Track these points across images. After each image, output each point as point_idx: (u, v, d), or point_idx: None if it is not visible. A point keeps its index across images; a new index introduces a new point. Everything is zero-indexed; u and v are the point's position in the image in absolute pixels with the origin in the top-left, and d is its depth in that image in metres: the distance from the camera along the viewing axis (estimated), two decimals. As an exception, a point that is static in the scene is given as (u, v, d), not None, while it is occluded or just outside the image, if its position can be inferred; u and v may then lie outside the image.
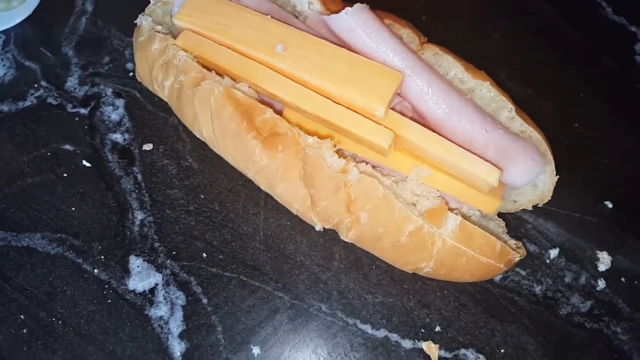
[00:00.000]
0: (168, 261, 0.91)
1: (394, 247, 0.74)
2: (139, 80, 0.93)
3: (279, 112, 0.79)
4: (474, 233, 0.72)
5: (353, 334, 0.87)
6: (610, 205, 0.99)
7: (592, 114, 1.07)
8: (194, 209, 0.94)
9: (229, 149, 0.78)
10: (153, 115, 1.01)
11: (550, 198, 0.84)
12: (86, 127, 1.01)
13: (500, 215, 0.93)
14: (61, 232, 0.92)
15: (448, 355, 0.87)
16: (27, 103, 1.03)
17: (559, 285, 0.93)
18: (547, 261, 0.94)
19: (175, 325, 0.86)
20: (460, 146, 0.74)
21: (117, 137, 1.00)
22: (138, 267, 0.90)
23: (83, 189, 0.96)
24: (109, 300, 0.88)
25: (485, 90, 0.79)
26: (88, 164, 0.98)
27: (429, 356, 0.87)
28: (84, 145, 0.99)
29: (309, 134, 0.77)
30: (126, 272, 0.90)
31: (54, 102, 1.03)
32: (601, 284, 0.93)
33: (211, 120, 0.76)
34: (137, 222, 0.93)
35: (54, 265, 0.90)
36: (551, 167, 0.81)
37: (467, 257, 0.73)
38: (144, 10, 0.91)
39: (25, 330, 0.84)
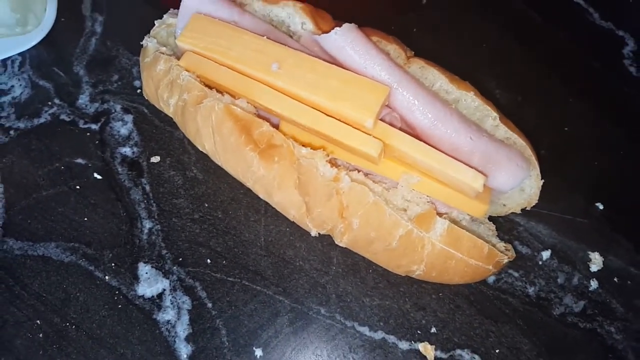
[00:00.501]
0: (175, 267, 0.95)
1: (386, 251, 0.78)
2: (146, 98, 0.98)
3: (276, 126, 0.84)
4: (461, 236, 0.76)
5: (351, 336, 0.91)
6: (601, 207, 1.02)
7: (581, 118, 1.10)
8: (199, 217, 0.99)
9: (229, 161, 0.83)
10: (160, 129, 1.06)
11: (537, 201, 0.87)
12: (97, 142, 1.06)
13: (492, 218, 0.96)
14: (74, 241, 0.98)
15: (444, 355, 0.90)
16: (42, 120, 1.09)
17: (552, 286, 0.96)
18: (540, 263, 0.97)
19: (182, 329, 0.91)
20: (447, 154, 0.78)
21: (127, 150, 1.05)
22: (146, 273, 0.95)
23: (95, 200, 1.01)
24: (120, 306, 0.93)
25: (470, 100, 0.83)
26: (99, 177, 1.03)
27: (425, 357, 0.90)
28: (95, 159, 1.05)
29: (304, 146, 0.81)
30: (135, 278, 0.95)
31: (67, 119, 1.09)
32: (594, 284, 0.96)
33: (212, 134, 0.81)
34: (146, 231, 0.98)
35: (68, 272, 0.95)
36: (536, 171, 0.84)
37: (456, 259, 0.76)
38: (149, 32, 0.97)
39: (41, 335, 0.89)
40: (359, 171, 0.83)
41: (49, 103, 1.10)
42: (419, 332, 0.92)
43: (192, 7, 0.87)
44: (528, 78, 1.14)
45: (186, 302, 0.93)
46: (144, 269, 0.96)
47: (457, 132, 0.78)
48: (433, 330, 0.92)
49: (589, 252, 0.98)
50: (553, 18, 1.21)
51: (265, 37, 0.83)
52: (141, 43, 0.95)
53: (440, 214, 0.83)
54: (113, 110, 1.09)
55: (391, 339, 0.91)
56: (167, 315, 0.92)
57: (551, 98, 1.12)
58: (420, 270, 0.79)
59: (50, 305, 0.92)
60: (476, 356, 0.91)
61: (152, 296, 0.94)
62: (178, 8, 0.88)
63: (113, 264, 0.96)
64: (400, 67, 0.80)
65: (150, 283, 0.95)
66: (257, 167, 0.79)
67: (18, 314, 0.91)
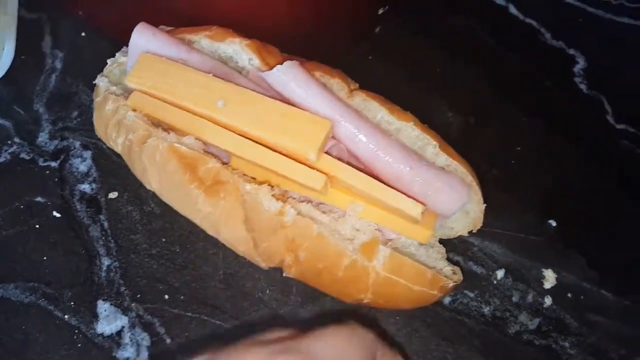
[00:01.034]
0: (133, 304, 0.96)
1: (334, 281, 0.79)
2: (98, 136, 1.00)
3: (227, 162, 0.86)
4: (404, 263, 0.78)
5: (311, 364, 0.92)
6: (554, 224, 1.04)
7: (533, 137, 1.13)
8: (157, 253, 1.00)
9: (176, 199, 0.85)
10: (118, 164, 1.07)
11: (482, 224, 0.89)
12: (56, 179, 1.07)
13: (448, 240, 0.98)
14: (34, 281, 0.98)
15: (403, 379, 0.91)
16: (1, 159, 1.09)
17: (507, 304, 0.97)
18: (495, 282, 0.99)
19: (142, 366, 0.91)
20: (390, 183, 0.80)
21: (85, 187, 1.06)
22: (105, 311, 0.96)
23: (54, 239, 1.01)
24: (79, 345, 0.93)
25: (410, 130, 0.85)
26: (58, 215, 1.04)
27: (384, 381, 0.91)
28: (55, 197, 1.05)
29: (256, 180, 0.83)
30: (95, 316, 0.95)
31: (27, 157, 1.09)
32: (548, 301, 0.98)
33: (158, 173, 0.83)
34: (104, 268, 0.99)
35: (28, 313, 0.95)
36: (478, 196, 0.86)
37: (400, 286, 0.78)
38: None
39: (0, 379, 0.89)
40: (309, 202, 0.84)
41: (9, 142, 1.11)
42: (377, 357, 0.92)
43: (140, 46, 0.88)
44: (480, 99, 1.16)
45: (145, 339, 0.93)
46: (103, 307, 0.96)
47: (398, 161, 0.80)
48: (391, 354, 0.93)
49: (543, 270, 1.00)
50: (505, 39, 1.24)
51: (211, 74, 0.85)
52: (93, 82, 0.96)
53: (388, 241, 0.84)
54: (72, 147, 1.10)
55: (350, 365, 0.92)
56: (126, 352, 0.92)
57: (503, 118, 1.14)
58: (368, 298, 0.80)
59: (10, 348, 0.92)
60: (434, 379, 0.92)
61: (112, 334, 0.94)
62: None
63: (72, 303, 0.96)
64: (342, 100, 0.82)
65: (109, 320, 0.95)
66: (203, 205, 0.80)
67: (-25, 359, 0.91)
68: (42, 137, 1.12)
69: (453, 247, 1.00)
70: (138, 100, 0.85)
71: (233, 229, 0.81)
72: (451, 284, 0.82)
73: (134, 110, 0.86)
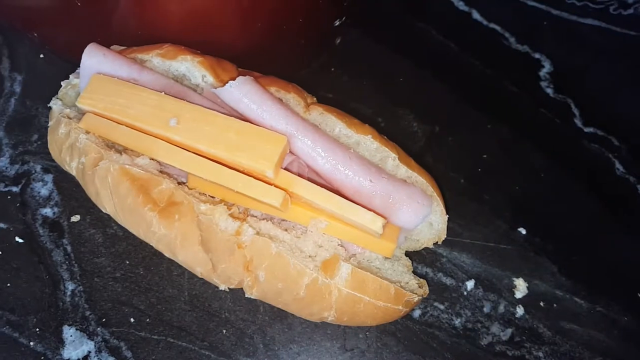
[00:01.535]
0: (99, 328, 0.94)
1: (295, 300, 0.77)
2: (54, 160, 0.98)
3: (184, 182, 0.84)
4: (366, 279, 0.76)
5: (280, 384, 0.90)
6: (523, 232, 1.03)
7: (499, 143, 1.12)
8: (120, 275, 0.97)
9: (130, 222, 0.83)
10: (79, 187, 1.04)
11: (445, 235, 0.88)
12: (18, 205, 1.05)
13: (415, 252, 0.97)
14: (-3, 308, 0.96)
15: (374, 396, 0.90)
16: (-38, 186, 1.07)
17: (478, 315, 0.96)
18: (465, 293, 0.98)
19: (107, 392, 0.89)
20: (350, 197, 0.78)
21: (47, 211, 1.04)
22: (71, 336, 0.93)
23: (17, 265, 0.99)
24: (44, 373, 0.90)
25: (369, 143, 0.83)
26: (21, 240, 1.01)
27: (356, 399, 0.89)
28: (17, 222, 1.03)
29: (214, 200, 0.81)
30: (60, 342, 0.93)
31: (-12, 183, 1.07)
32: (520, 310, 0.97)
33: (111, 196, 0.81)
34: (69, 293, 0.97)
35: (-8, 342, 0.93)
36: (440, 207, 0.85)
37: (364, 302, 0.76)
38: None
39: (-39, 413, 0.87)
40: (270, 220, 0.82)
41: (-31, 168, 1.09)
42: (348, 374, 0.91)
43: (91, 68, 0.87)
44: (445, 108, 1.16)
45: (111, 364, 0.91)
46: (68, 332, 0.94)
47: (357, 174, 0.78)
48: (363, 371, 0.91)
49: (514, 278, 0.99)
50: (469, 46, 1.24)
51: (163, 92, 0.83)
52: (48, 105, 0.94)
53: (351, 256, 0.83)
54: (33, 171, 1.08)
55: (321, 384, 0.90)
56: (91, 379, 0.90)
57: (469, 126, 1.14)
58: (332, 316, 0.78)
59: (-28, 379, 0.90)
60: (407, 394, 0.90)
61: (78, 359, 0.92)
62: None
63: (38, 329, 0.94)
64: (297, 115, 0.81)
65: (75, 346, 0.93)
66: (158, 227, 0.78)
67: None
68: (3, 162, 1.09)
69: (421, 258, 0.99)
70: (91, 122, 0.83)
71: (190, 251, 0.79)
72: (416, 298, 0.80)
73: (87, 132, 0.84)
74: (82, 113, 0.89)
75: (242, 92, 0.80)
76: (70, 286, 0.97)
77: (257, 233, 0.77)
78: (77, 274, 0.98)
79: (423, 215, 0.80)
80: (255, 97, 0.80)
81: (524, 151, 1.12)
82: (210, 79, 0.86)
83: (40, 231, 1.02)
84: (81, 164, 0.83)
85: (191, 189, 0.83)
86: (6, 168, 1.09)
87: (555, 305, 0.97)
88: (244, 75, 0.84)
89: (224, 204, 0.79)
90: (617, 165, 1.11)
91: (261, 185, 0.78)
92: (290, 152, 0.81)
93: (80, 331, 0.94)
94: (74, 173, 0.89)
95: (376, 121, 0.92)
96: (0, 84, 1.18)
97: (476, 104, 1.16)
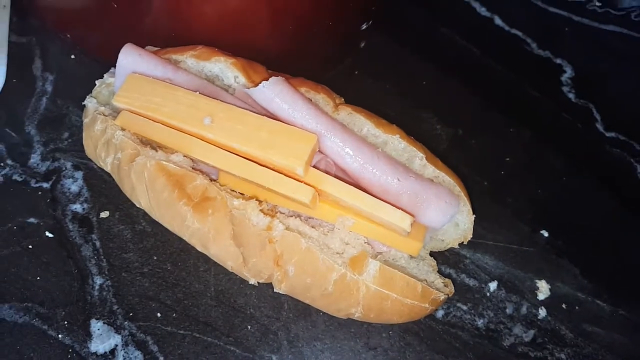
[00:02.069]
0: (126, 322, 0.95)
1: (323, 296, 0.79)
2: (87, 156, 1.00)
3: (215, 178, 0.86)
4: (394, 276, 0.77)
5: (304, 380, 0.91)
6: (545, 234, 1.04)
7: (522, 147, 1.13)
8: (148, 271, 0.99)
9: (165, 216, 0.85)
10: (109, 184, 1.08)
11: (471, 236, 0.89)
12: (48, 200, 1.07)
13: (439, 253, 0.98)
14: (27, 301, 0.98)
15: (397, 394, 0.91)
16: (-5, 181, 1.10)
17: (501, 317, 0.97)
18: (488, 294, 0.98)
19: (134, 385, 0.90)
20: (378, 195, 0.80)
21: (77, 207, 1.06)
22: (99, 329, 0.95)
23: (47, 259, 1.01)
24: (72, 364, 0.92)
25: (397, 142, 0.85)
26: (51, 235, 1.04)
27: (379, 397, 0.90)
28: (47, 217, 1.05)
29: (245, 196, 0.83)
30: (88, 335, 0.95)
31: (19, 179, 1.10)
32: (542, 312, 0.97)
33: (147, 191, 0.83)
34: (97, 287, 0.99)
35: (22, 333, 0.94)
36: (467, 207, 0.86)
37: (391, 300, 0.77)
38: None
39: (-7, 401, 0.89)
40: (298, 217, 0.84)
41: (1, 164, 1.11)
42: (371, 372, 0.92)
43: (127, 67, 0.89)
44: (468, 111, 1.17)
45: (138, 357, 0.93)
46: (96, 326, 0.96)
47: (385, 173, 0.80)
48: (385, 369, 0.92)
49: (536, 281, 1.00)
50: (491, 50, 1.26)
51: (198, 92, 0.86)
52: (83, 103, 0.97)
53: (378, 254, 0.84)
54: (64, 168, 1.10)
55: (344, 381, 0.91)
56: (119, 371, 0.92)
57: (492, 129, 1.15)
58: (359, 312, 0.79)
59: (3, 368, 0.92)
60: (429, 393, 0.91)
61: (105, 352, 0.94)
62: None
63: (66, 322, 0.96)
64: (327, 114, 0.83)
65: (102, 339, 0.95)
66: (192, 221, 0.80)
67: (-32, 381, 0.90)
68: (34, 159, 1.12)
69: (445, 259, 1.00)
70: (126, 119, 0.86)
71: (222, 245, 0.81)
72: (443, 297, 0.82)
73: (123, 129, 0.87)
74: (116, 111, 0.92)
75: (274, 92, 0.82)
76: (98, 281, 0.99)
77: (287, 228, 0.79)
78: (105, 268, 1.00)
79: (450, 215, 0.81)
80: (287, 97, 0.82)
81: (546, 155, 1.12)
82: (242, 79, 0.88)
83: (70, 226, 1.05)
84: (117, 159, 0.85)
85: (222, 185, 0.85)
86: (37, 165, 1.12)
87: (577, 307, 0.98)
88: (274, 76, 0.87)
89: (256, 200, 0.80)
90: (639, 169, 1.11)
91: (291, 182, 0.79)
92: (319, 151, 0.83)
93: (108, 325, 0.96)
94: (108, 168, 0.91)
95: (399, 123, 0.94)
96: (32, 83, 1.21)
97: (499, 108, 1.17)
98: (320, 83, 0.93)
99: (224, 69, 0.89)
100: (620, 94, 1.20)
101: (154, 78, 0.88)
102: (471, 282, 0.99)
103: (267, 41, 0.97)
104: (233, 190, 0.85)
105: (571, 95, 1.21)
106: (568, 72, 1.24)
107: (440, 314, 0.96)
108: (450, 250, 0.98)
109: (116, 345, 0.94)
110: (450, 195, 0.82)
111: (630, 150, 1.14)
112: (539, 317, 0.97)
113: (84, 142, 0.95)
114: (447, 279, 0.86)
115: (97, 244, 1.03)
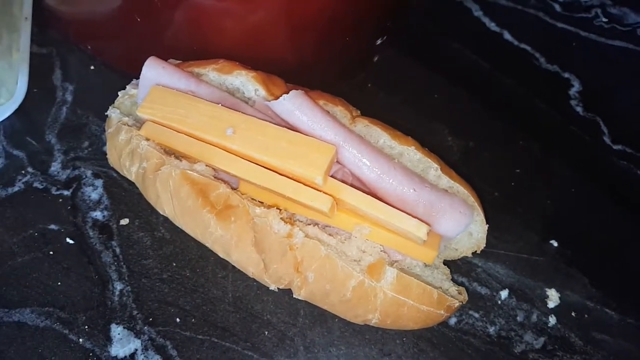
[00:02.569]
0: (145, 327, 0.98)
1: (341, 302, 0.81)
2: (111, 165, 1.03)
3: (236, 187, 0.89)
4: (410, 284, 0.80)
5: (320, 386, 0.93)
6: (555, 244, 1.07)
7: (531, 159, 1.16)
8: (167, 277, 1.02)
9: (188, 224, 0.88)
10: (128, 192, 1.11)
11: (485, 245, 0.92)
12: (69, 207, 1.10)
13: (452, 262, 1.00)
14: (48, 305, 1.00)
15: (411, 400, 0.93)
16: (16, 188, 1.13)
17: (512, 324, 0.99)
18: (499, 302, 1.01)
19: (154, 388, 0.93)
20: (394, 205, 0.82)
21: (97, 214, 1.09)
22: (119, 334, 0.97)
23: (67, 265, 1.04)
24: (93, 368, 0.94)
25: (412, 154, 0.88)
26: (71, 241, 1.06)
27: (393, 402, 0.92)
28: (68, 224, 1.08)
29: (264, 204, 0.86)
30: (108, 339, 0.97)
31: (40, 186, 1.13)
32: (552, 320, 0.99)
33: (171, 199, 0.86)
34: (117, 292, 1.01)
35: (43, 337, 0.97)
36: (480, 217, 0.89)
37: (408, 306, 0.80)
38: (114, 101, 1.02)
39: (15, 403, 0.91)
40: (316, 225, 0.87)
41: (23, 172, 1.14)
42: (386, 378, 0.94)
43: (151, 79, 0.92)
44: (479, 124, 1.20)
45: (157, 362, 0.95)
46: (116, 330, 0.98)
47: (402, 184, 0.83)
48: (399, 375, 0.94)
49: (546, 289, 1.02)
50: (501, 64, 1.29)
51: (220, 104, 0.89)
52: (106, 113, 1.00)
53: (394, 262, 0.87)
54: (84, 176, 1.13)
55: (359, 386, 0.93)
56: (138, 375, 0.94)
57: (502, 141, 1.18)
58: (376, 318, 0.82)
59: (25, 372, 0.94)
60: (442, 399, 0.93)
61: (125, 356, 0.96)
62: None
63: (86, 327, 0.98)
64: (345, 126, 0.86)
65: (122, 344, 0.97)
66: (215, 228, 0.83)
67: (-9, 384, 0.92)
68: (55, 167, 1.15)
69: (457, 268, 1.02)
70: (151, 130, 0.89)
71: (244, 251, 0.84)
72: (457, 304, 0.84)
73: (147, 139, 0.90)
74: (139, 121, 0.95)
75: (294, 104, 0.85)
76: (118, 286, 1.02)
77: (306, 236, 0.81)
78: (125, 274, 1.03)
79: (465, 224, 0.84)
80: (307, 109, 0.85)
81: (555, 166, 1.15)
82: (262, 92, 0.91)
83: (90, 233, 1.07)
84: (142, 168, 0.88)
85: (243, 194, 0.87)
86: (58, 172, 1.15)
87: (586, 315, 1.00)
88: (292, 89, 0.90)
89: (276, 208, 0.83)
90: (645, 181, 1.14)
91: (311, 191, 0.82)
92: (337, 161, 0.86)
93: (128, 330, 0.98)
94: (132, 177, 0.94)
95: (412, 135, 0.97)
96: (52, 93, 1.25)
97: (508, 121, 1.20)
98: (335, 96, 0.96)
99: (245, 82, 0.92)
100: (626, 107, 1.23)
101: (177, 90, 0.91)
102: (483, 290, 1.02)
103: (286, 56, 1.00)
104: (253, 199, 0.88)
105: (579, 109, 1.24)
106: (576, 86, 1.27)
107: (452, 321, 0.99)
108: (463, 259, 1.01)
109: (136, 350, 0.96)
110: (464, 205, 0.85)
111: (636, 162, 1.17)
112: (549, 325, 0.99)
113: (108, 151, 0.98)
114: (460, 287, 0.89)
115: (117, 250, 1.05)
